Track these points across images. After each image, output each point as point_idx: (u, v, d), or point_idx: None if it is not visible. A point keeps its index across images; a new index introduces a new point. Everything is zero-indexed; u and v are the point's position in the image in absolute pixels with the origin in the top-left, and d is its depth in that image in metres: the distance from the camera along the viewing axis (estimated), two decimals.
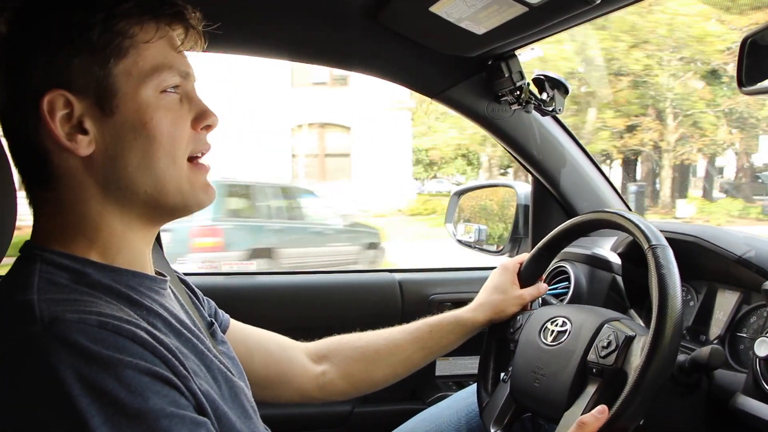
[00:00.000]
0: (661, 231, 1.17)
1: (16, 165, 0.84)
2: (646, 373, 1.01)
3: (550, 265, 1.64)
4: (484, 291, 1.42)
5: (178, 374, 0.72)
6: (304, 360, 1.31)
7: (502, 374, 1.36)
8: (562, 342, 1.21)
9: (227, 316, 1.22)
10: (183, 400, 0.71)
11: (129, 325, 0.71)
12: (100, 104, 0.79)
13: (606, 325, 1.16)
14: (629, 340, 1.10)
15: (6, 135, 0.84)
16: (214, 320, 1.11)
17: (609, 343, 1.12)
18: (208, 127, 0.89)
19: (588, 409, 1.10)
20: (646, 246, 1.11)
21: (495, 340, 1.42)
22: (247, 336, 1.24)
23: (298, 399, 1.31)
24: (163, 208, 0.86)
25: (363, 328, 1.86)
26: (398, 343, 1.35)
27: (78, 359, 0.65)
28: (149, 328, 0.74)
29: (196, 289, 1.15)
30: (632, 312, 1.58)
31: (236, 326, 1.23)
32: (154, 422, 0.66)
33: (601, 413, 0.99)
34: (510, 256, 2.03)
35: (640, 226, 1.15)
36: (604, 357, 1.11)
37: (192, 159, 0.87)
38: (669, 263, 1.08)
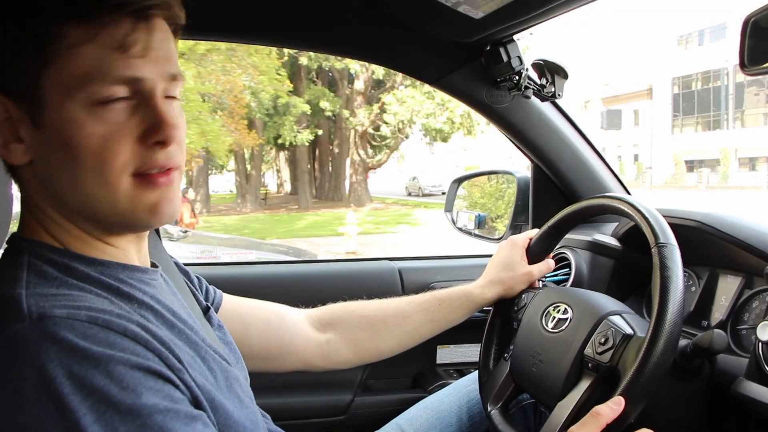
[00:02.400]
0: (664, 216, 1.16)
1: None
2: (638, 379, 1.01)
3: (551, 252, 1.63)
4: (493, 267, 1.41)
5: (171, 367, 0.70)
6: (307, 328, 1.30)
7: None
8: (562, 330, 1.21)
9: (219, 291, 1.21)
10: (177, 394, 0.70)
11: (120, 320, 0.69)
12: (31, 114, 0.73)
13: (605, 320, 1.16)
14: (626, 339, 1.10)
15: None
16: (207, 303, 1.10)
17: (606, 340, 1.12)
18: (162, 144, 0.76)
19: (580, 404, 1.11)
20: (653, 242, 1.11)
21: (500, 316, 1.42)
22: (242, 310, 1.23)
23: (301, 367, 1.31)
24: (105, 224, 0.79)
25: None
26: (407, 314, 1.35)
27: (68, 356, 0.63)
28: (141, 320, 0.73)
29: (190, 273, 1.14)
30: (633, 298, 1.57)
31: (230, 301, 1.22)
32: (148, 418, 0.64)
33: (617, 405, 0.97)
34: None
35: (650, 221, 1.13)
36: (601, 353, 1.11)
37: (140, 175, 0.76)
38: (674, 264, 1.07)
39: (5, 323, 0.67)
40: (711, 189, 28.80)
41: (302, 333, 1.29)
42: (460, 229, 2.22)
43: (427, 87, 19.43)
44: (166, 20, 0.78)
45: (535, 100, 1.69)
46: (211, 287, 1.19)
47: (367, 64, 19.20)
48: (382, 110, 20.92)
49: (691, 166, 35.41)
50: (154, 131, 0.75)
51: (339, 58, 18.70)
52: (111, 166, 0.74)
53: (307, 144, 22.32)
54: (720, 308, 1.36)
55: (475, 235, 2.17)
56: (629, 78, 39.01)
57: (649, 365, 1.01)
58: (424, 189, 30.45)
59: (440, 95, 19.22)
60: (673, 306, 1.03)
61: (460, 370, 2.01)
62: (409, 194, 30.90)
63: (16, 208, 0.94)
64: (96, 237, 0.80)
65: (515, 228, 1.99)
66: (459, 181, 2.28)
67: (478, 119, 20.46)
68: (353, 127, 22.03)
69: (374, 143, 22.99)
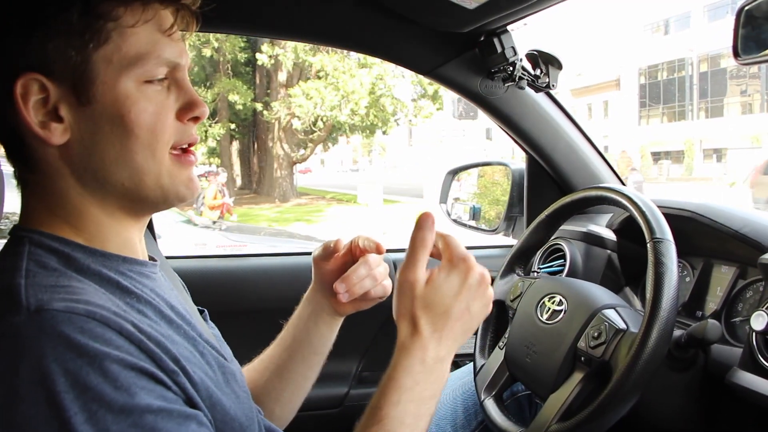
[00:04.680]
0: (658, 206, 1.16)
1: (1, 142, 0.80)
2: (630, 375, 1.02)
3: (546, 243, 1.63)
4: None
5: (165, 369, 0.69)
6: None
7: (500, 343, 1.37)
8: (556, 322, 1.21)
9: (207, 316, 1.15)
10: (170, 395, 0.69)
11: (117, 318, 0.68)
12: (76, 92, 0.75)
13: (599, 314, 1.16)
14: (618, 334, 1.11)
15: None
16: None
17: (599, 334, 1.12)
18: (196, 119, 0.83)
19: (573, 396, 1.12)
20: (649, 237, 1.11)
21: (496, 304, 1.42)
22: None
23: None
24: (143, 201, 0.81)
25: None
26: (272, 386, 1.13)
27: (63, 352, 0.63)
28: (137, 318, 0.72)
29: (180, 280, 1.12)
30: (628, 290, 1.57)
31: None
32: (140, 418, 0.63)
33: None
34: (505, 235, 2.02)
35: (646, 215, 1.14)
36: (594, 348, 1.12)
37: (176, 151, 0.82)
38: (669, 261, 1.07)
39: (2, 315, 0.66)
40: (672, 181, 28.54)
41: None
42: (454, 221, 2.21)
43: (331, 78, 18.53)
44: (191, 16, 0.84)
45: (529, 90, 1.68)
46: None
47: (281, 54, 18.79)
48: (291, 104, 19.94)
49: (657, 157, 34.81)
50: (190, 108, 0.81)
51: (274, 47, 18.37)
52: (160, 140, 0.78)
53: (218, 138, 21.71)
54: (714, 298, 1.36)
55: (470, 227, 2.17)
56: (600, 69, 38.60)
57: (641, 362, 1.01)
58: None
59: (345, 87, 18.64)
60: (666, 303, 1.03)
61: (455, 362, 2.00)
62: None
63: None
64: (112, 220, 0.81)
65: (510, 219, 1.99)
66: (454, 172, 2.28)
67: (396, 111, 20.00)
68: (270, 120, 21.14)
69: (301, 137, 22.09)
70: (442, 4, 1.32)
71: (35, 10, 0.74)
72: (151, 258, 0.90)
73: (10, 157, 0.80)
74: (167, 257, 1.21)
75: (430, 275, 0.84)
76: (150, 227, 1.44)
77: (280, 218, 17.33)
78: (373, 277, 1.06)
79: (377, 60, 18.03)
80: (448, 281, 0.84)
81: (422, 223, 0.86)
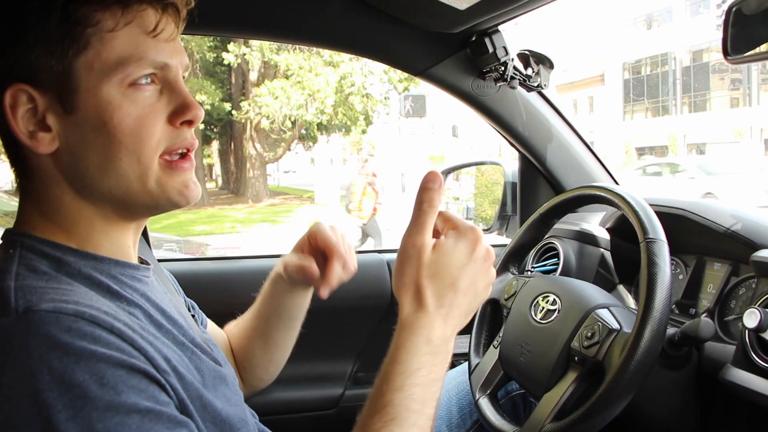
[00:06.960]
0: (650, 204, 1.17)
1: (5, 151, 0.81)
2: (623, 376, 1.02)
3: (540, 242, 1.63)
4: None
5: (158, 368, 0.69)
6: None
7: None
8: (550, 321, 1.21)
9: (204, 315, 1.17)
10: (163, 396, 0.68)
11: (107, 316, 0.68)
12: (61, 101, 0.75)
13: (592, 314, 1.16)
14: (612, 334, 1.11)
15: None
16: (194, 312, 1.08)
17: (593, 334, 1.12)
18: (190, 123, 0.81)
19: (566, 396, 1.12)
20: (642, 237, 1.11)
21: (491, 302, 1.42)
22: (217, 337, 1.18)
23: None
24: (133, 207, 0.81)
25: (353, 310, 1.85)
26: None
27: (48, 351, 0.63)
28: (129, 319, 0.72)
29: (175, 281, 1.12)
30: (621, 288, 1.58)
31: (211, 327, 1.18)
32: (126, 416, 0.63)
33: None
34: (498, 234, 2.03)
35: (639, 214, 1.14)
36: (587, 348, 1.12)
37: (170, 156, 0.80)
38: (662, 261, 1.08)
39: None
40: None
41: None
42: None
43: (297, 77, 18.19)
44: (177, 14, 0.81)
45: (521, 90, 1.68)
46: (197, 308, 1.14)
47: (247, 54, 18.47)
48: (259, 104, 19.49)
49: (642, 152, 34.25)
50: (182, 112, 0.79)
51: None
52: (146, 145, 0.77)
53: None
54: (707, 296, 1.37)
55: None
56: (584, 64, 38.46)
57: (634, 362, 1.02)
58: None
59: (311, 86, 18.36)
60: (658, 304, 1.04)
61: (450, 361, 2.01)
62: None
63: None
64: (107, 224, 0.81)
65: (503, 219, 1.99)
66: (447, 172, 2.28)
67: (367, 110, 19.75)
68: (240, 120, 20.74)
69: (274, 137, 21.56)
70: (433, 5, 1.32)
71: (16, 20, 0.73)
72: (144, 261, 0.89)
73: (11, 164, 0.81)
74: (159, 260, 1.20)
75: (438, 241, 0.79)
76: (143, 230, 1.44)
77: (247, 219, 17.12)
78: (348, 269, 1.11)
79: (345, 58, 17.88)
80: (456, 249, 0.79)
81: (428, 182, 0.79)
